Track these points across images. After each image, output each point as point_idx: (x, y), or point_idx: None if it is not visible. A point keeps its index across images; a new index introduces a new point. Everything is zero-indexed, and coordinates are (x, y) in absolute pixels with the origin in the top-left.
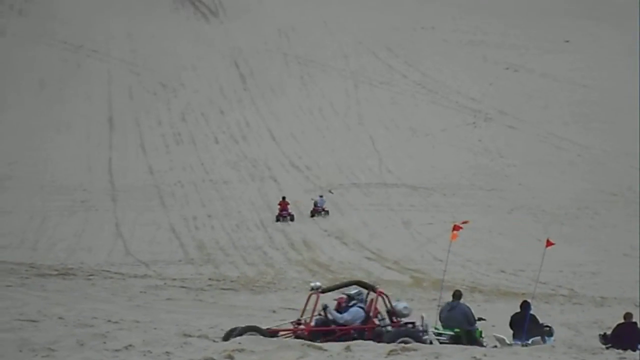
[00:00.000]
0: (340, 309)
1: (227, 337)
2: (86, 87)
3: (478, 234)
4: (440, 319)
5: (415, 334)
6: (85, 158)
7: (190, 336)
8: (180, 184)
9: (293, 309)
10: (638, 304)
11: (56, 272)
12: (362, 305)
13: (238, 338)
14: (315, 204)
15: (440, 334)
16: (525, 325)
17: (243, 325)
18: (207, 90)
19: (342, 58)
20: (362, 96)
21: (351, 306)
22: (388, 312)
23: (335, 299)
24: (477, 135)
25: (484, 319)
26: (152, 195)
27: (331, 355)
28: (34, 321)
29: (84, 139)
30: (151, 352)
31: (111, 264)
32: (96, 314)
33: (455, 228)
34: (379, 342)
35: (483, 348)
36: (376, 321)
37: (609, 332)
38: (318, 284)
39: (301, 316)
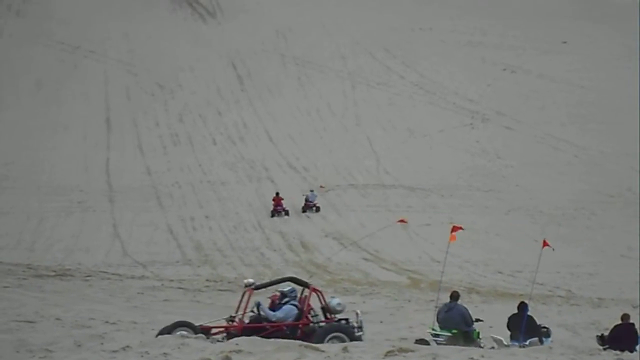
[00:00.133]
0: (274, 306)
1: (161, 334)
2: (83, 88)
3: (475, 235)
4: (437, 320)
5: (347, 330)
6: (83, 159)
7: (187, 337)
8: (177, 185)
9: None
10: (635, 305)
11: (53, 273)
12: (295, 302)
13: (234, 340)
14: (307, 199)
15: (437, 335)
16: (523, 326)
17: (174, 321)
18: (204, 91)
19: (339, 59)
20: (360, 97)
21: (284, 303)
22: (322, 308)
23: (269, 297)
24: (475, 136)
25: (481, 320)
26: (150, 196)
27: (328, 357)
28: (31, 322)
29: (81, 140)
30: (148, 354)
31: (108, 265)
32: (94, 315)
33: (454, 229)
34: (310, 339)
35: (480, 349)
36: (310, 318)
37: (606, 333)
38: (251, 280)
39: (235, 313)
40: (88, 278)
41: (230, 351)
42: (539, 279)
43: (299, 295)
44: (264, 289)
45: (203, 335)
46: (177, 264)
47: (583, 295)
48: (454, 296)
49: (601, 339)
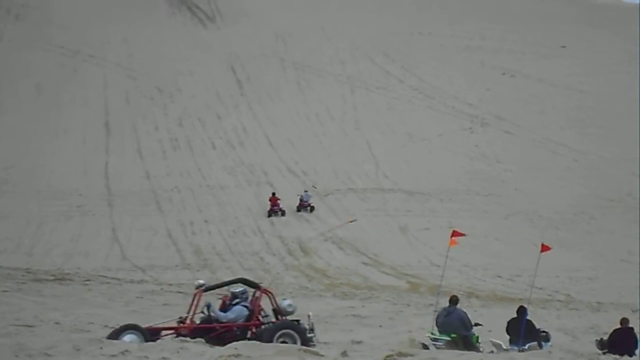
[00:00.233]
0: (225, 307)
1: (111, 337)
2: (83, 92)
3: (475, 240)
4: (437, 324)
5: (296, 327)
6: (82, 163)
7: (186, 341)
8: (177, 189)
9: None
10: (635, 309)
11: (52, 277)
12: (246, 303)
13: (233, 344)
14: (301, 199)
15: (436, 339)
16: (522, 330)
17: (123, 324)
18: (203, 95)
19: (338, 63)
20: (359, 101)
21: (235, 304)
22: (274, 310)
23: (221, 298)
24: (474, 140)
25: (480, 324)
26: (149, 201)
27: None
28: (30, 326)
29: (81, 144)
30: (147, 358)
31: (108, 269)
32: (93, 319)
33: (454, 234)
34: (261, 339)
35: (479, 353)
36: (260, 319)
37: (605, 337)
38: (202, 281)
39: (187, 314)
40: (87, 282)
41: (229, 355)
42: (539, 283)
43: (250, 296)
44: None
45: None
46: (176, 268)
47: (582, 299)
48: (453, 300)
49: (600, 343)
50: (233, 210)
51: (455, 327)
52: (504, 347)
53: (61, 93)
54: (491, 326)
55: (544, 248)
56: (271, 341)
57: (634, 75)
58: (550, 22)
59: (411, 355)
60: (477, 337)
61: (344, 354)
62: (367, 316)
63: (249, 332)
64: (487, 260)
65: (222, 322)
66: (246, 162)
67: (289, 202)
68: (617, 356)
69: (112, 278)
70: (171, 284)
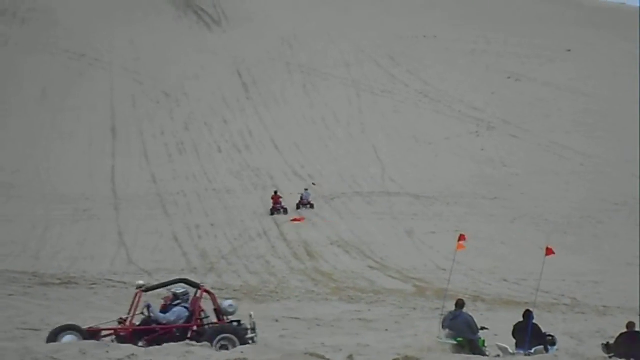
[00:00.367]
0: (166, 308)
1: (50, 338)
2: (89, 96)
3: (481, 243)
4: (443, 328)
5: (237, 331)
6: (88, 167)
7: (192, 345)
8: (183, 193)
9: (296, 318)
10: None
11: (59, 281)
12: (186, 304)
13: (239, 348)
14: (302, 198)
15: (443, 343)
16: (528, 334)
17: (60, 325)
18: (210, 99)
19: (344, 67)
20: (365, 105)
21: (176, 305)
22: (215, 310)
23: (162, 298)
24: (480, 144)
25: (486, 328)
26: (155, 204)
27: None
28: (36, 330)
29: (87, 148)
30: None
31: (114, 272)
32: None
33: (461, 238)
34: (201, 340)
35: (486, 357)
36: (201, 320)
37: (611, 341)
38: (142, 282)
39: (128, 315)
40: (93, 286)
41: (235, 359)
42: (545, 287)
43: (192, 297)
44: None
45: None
46: (183, 272)
47: (588, 303)
48: (460, 304)
49: (607, 347)
50: (239, 214)
51: (462, 331)
52: (510, 351)
53: (67, 97)
54: (497, 330)
55: (549, 251)
56: (211, 344)
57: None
58: (556, 26)
59: (417, 359)
60: (484, 341)
61: (350, 357)
62: (374, 320)
63: (190, 333)
64: (493, 264)
65: (162, 324)
66: (252, 166)
67: (295, 206)
68: None
69: (119, 282)
70: None
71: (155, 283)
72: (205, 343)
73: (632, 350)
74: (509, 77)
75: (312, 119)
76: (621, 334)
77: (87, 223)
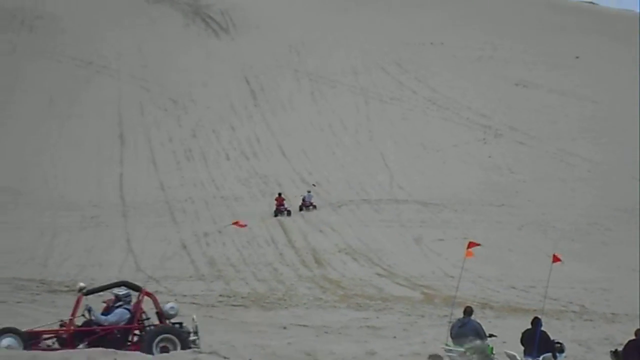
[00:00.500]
0: (108, 310)
1: None
2: (96, 103)
3: (488, 250)
4: (451, 335)
5: (177, 332)
6: (96, 174)
7: (200, 352)
8: (191, 200)
9: (304, 326)
10: None
11: (66, 288)
12: (128, 306)
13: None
14: (304, 199)
15: (451, 351)
16: (536, 341)
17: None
18: (217, 106)
19: (352, 74)
20: (373, 112)
21: (118, 307)
22: (157, 313)
23: (104, 301)
24: (487, 151)
25: (494, 335)
26: (163, 212)
27: None
28: None
29: (95, 155)
30: None
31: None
32: None
33: (470, 245)
34: (141, 341)
35: None
36: (142, 322)
37: (620, 348)
38: (83, 284)
39: (71, 317)
40: (101, 293)
41: None
42: (553, 294)
43: (134, 299)
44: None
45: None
46: (190, 279)
47: (597, 310)
48: (468, 311)
49: (615, 355)
50: (247, 221)
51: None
52: (519, 358)
53: (74, 104)
54: (505, 337)
55: (556, 259)
56: (151, 346)
57: None
58: (563, 33)
59: None
60: (492, 348)
61: None
62: (382, 327)
63: (130, 335)
64: (501, 271)
65: (103, 325)
66: (260, 173)
67: (297, 207)
68: None
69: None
70: (185, 295)
71: (95, 286)
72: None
73: None
74: (516, 84)
75: (320, 126)
76: (630, 341)
77: (95, 230)
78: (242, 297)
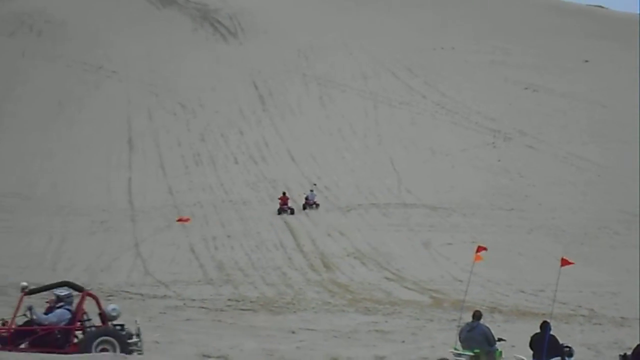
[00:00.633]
0: (50, 310)
1: None
2: (105, 108)
3: (498, 254)
4: (460, 340)
5: (116, 334)
6: (105, 179)
7: (209, 357)
8: (199, 205)
9: (313, 330)
10: None
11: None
12: (69, 307)
13: None
14: (307, 198)
15: (460, 355)
16: (545, 345)
17: None
18: (226, 110)
19: (361, 78)
20: (382, 116)
21: (59, 307)
22: (99, 314)
23: (47, 301)
24: (497, 155)
25: (503, 340)
26: (172, 216)
27: None
28: None
29: (103, 160)
30: None
31: (131, 284)
32: None
33: (479, 249)
34: (81, 343)
35: None
36: (82, 323)
37: (629, 352)
38: (25, 284)
39: (14, 317)
40: (110, 297)
41: None
42: (562, 298)
43: (76, 300)
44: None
45: None
46: (199, 283)
47: (606, 314)
48: (476, 315)
49: (624, 359)
50: (255, 225)
51: (479, 342)
52: None
53: (83, 109)
54: (514, 341)
55: (564, 262)
56: (90, 348)
57: None
58: (573, 37)
59: None
60: (501, 353)
61: None
62: (390, 331)
63: (71, 336)
64: (510, 275)
65: (44, 325)
66: (268, 177)
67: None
68: None
69: (135, 293)
70: (194, 299)
71: (38, 286)
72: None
73: None
74: (526, 88)
75: (329, 131)
76: (639, 345)
77: (104, 235)
78: (251, 301)
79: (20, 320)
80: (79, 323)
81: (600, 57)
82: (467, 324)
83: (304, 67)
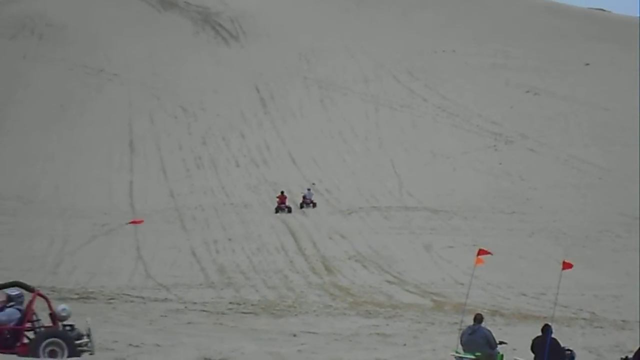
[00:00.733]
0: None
1: None
2: (107, 111)
3: (499, 257)
4: (461, 343)
5: (64, 335)
6: (106, 182)
7: None
8: (201, 208)
9: (314, 333)
10: None
11: (77, 296)
12: (20, 307)
13: None
14: (304, 197)
15: (461, 358)
16: (547, 349)
17: None
18: (227, 113)
19: (362, 81)
20: (383, 119)
21: (9, 307)
22: (50, 315)
23: None
24: (498, 158)
25: (505, 343)
26: (173, 219)
27: None
28: None
29: (105, 163)
30: None
31: (132, 287)
32: (117, 338)
33: (481, 252)
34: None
35: None
36: (32, 323)
37: (630, 355)
38: None
39: None
40: (111, 301)
41: None
42: (563, 301)
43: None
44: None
45: None
46: (201, 286)
47: (607, 317)
48: (478, 319)
49: None
50: (256, 228)
51: (480, 346)
52: None
53: (85, 112)
54: (516, 344)
55: (565, 265)
56: (37, 350)
57: None
58: (574, 40)
59: None
60: (502, 356)
61: None
62: (391, 335)
63: (20, 336)
64: (511, 278)
65: None
66: (270, 180)
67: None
68: None
69: (137, 297)
70: (195, 303)
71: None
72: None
73: None
74: (527, 91)
75: (330, 134)
76: None
77: (106, 238)
78: (252, 305)
79: None
80: (29, 323)
81: (602, 60)
82: (469, 327)
83: (305, 70)
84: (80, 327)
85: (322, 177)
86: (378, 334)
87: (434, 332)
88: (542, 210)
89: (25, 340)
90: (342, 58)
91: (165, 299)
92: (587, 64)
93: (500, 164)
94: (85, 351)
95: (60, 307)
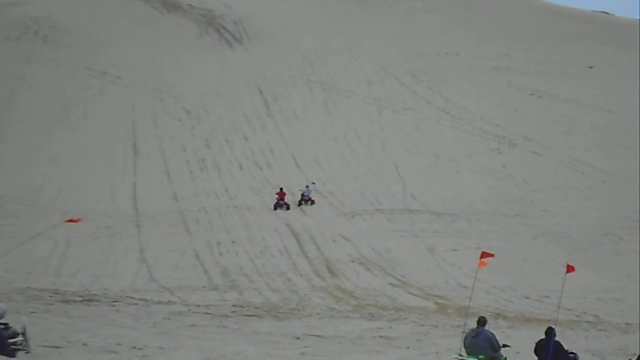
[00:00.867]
0: None
1: None
2: (110, 114)
3: (502, 260)
4: (464, 346)
5: None
6: (110, 184)
7: None
8: (204, 210)
9: (317, 336)
10: None
11: (80, 298)
12: None
13: None
14: (303, 194)
15: None
16: (550, 352)
17: None
18: (231, 116)
19: (365, 84)
20: (386, 122)
21: None
22: None
23: None
24: (501, 161)
25: (508, 346)
26: (177, 222)
27: None
28: (58, 347)
29: (108, 165)
30: None
31: (135, 290)
32: (120, 340)
33: (484, 255)
34: None
35: None
36: None
37: (634, 358)
38: None
39: None
40: (115, 303)
41: None
42: (567, 304)
43: None
44: None
45: None
46: (204, 289)
47: (610, 320)
48: (481, 322)
49: None
50: (260, 231)
51: (483, 349)
52: None
53: (89, 114)
54: (519, 347)
55: (569, 269)
56: None
57: None
58: (577, 43)
59: None
60: (505, 359)
61: None
62: (395, 337)
63: None
64: (515, 281)
65: None
66: (273, 183)
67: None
68: None
69: (140, 299)
70: (199, 305)
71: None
72: None
73: None
74: (531, 94)
75: (333, 136)
76: None
77: (109, 240)
78: (256, 307)
79: None
80: None
81: (605, 63)
82: (472, 330)
83: (308, 72)
84: (16, 326)
85: (325, 179)
86: (381, 336)
87: (437, 335)
88: (545, 213)
89: None
90: (346, 61)
91: (169, 301)
92: (591, 67)
93: (504, 166)
94: (20, 350)
95: None
